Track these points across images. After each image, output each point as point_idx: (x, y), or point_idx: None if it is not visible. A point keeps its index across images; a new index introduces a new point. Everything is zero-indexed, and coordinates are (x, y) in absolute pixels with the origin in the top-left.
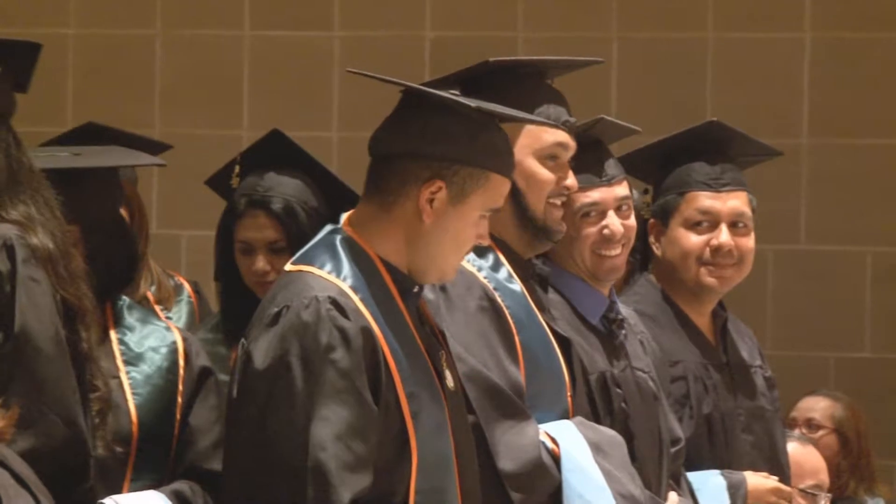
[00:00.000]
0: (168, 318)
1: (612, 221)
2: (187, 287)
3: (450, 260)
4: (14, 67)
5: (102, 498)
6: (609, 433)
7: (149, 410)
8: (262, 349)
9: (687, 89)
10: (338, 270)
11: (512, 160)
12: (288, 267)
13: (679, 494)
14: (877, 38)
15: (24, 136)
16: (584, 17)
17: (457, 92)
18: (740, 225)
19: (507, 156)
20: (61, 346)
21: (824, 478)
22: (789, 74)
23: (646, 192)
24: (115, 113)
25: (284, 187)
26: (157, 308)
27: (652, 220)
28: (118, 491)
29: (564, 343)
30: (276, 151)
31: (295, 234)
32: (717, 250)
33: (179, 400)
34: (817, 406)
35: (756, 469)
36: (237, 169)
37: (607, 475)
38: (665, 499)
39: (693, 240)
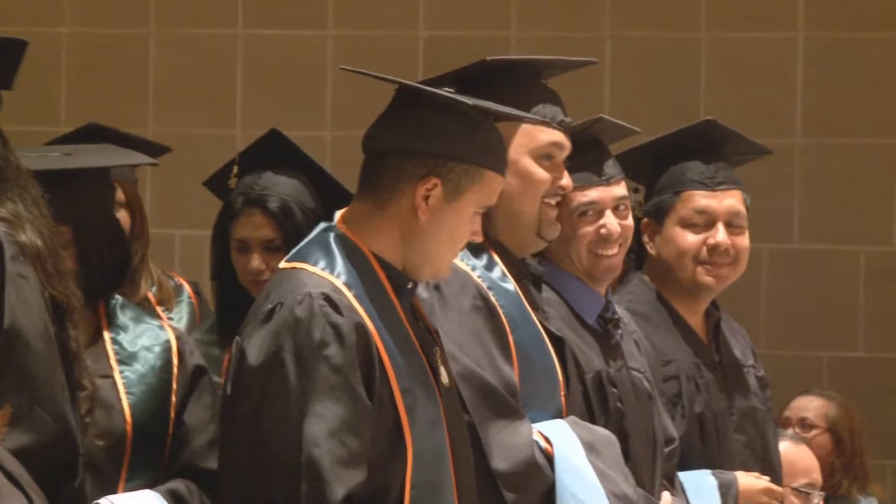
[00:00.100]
0: (169, 318)
1: (610, 221)
2: (187, 287)
3: (445, 256)
4: None
5: (97, 498)
6: (602, 433)
7: (143, 410)
8: (255, 346)
9: (680, 89)
10: (331, 267)
11: (506, 157)
12: (282, 264)
13: (672, 494)
14: (871, 38)
15: (18, 135)
16: (578, 17)
17: (450, 90)
18: (736, 224)
19: (501, 153)
20: (51, 343)
21: (817, 477)
22: (783, 74)
23: (636, 191)
24: (109, 112)
25: (282, 187)
26: (159, 309)
27: (646, 220)
28: (113, 491)
29: (558, 342)
30: (275, 151)
31: (291, 233)
32: (713, 249)
33: (174, 399)
34: (810, 405)
35: (748, 469)
36: (235, 169)
37: (601, 475)
38: (658, 499)
39: (689, 239)
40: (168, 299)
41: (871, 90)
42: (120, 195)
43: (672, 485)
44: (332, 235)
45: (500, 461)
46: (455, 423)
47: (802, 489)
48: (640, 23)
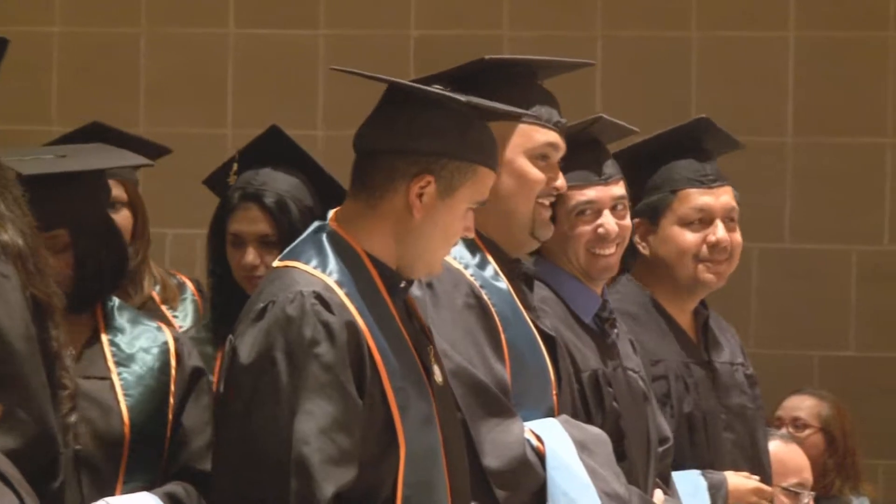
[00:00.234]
0: (174, 317)
1: (608, 220)
2: (190, 286)
3: (438, 253)
4: None
5: (95, 499)
6: (594, 431)
7: (141, 411)
8: (247, 344)
9: (672, 89)
10: (323, 265)
11: (497, 153)
12: (276, 263)
13: (666, 493)
14: (862, 38)
15: (10, 134)
16: (570, 17)
17: (440, 87)
18: (731, 219)
19: (492, 148)
20: (32, 342)
21: (808, 476)
22: (774, 73)
23: None
24: (101, 111)
25: (279, 183)
26: (164, 308)
27: (638, 220)
28: (111, 492)
29: (550, 342)
30: (275, 149)
31: (287, 229)
32: (714, 246)
33: (172, 401)
34: (803, 405)
35: (738, 468)
36: (235, 166)
37: (592, 473)
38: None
39: (689, 237)
40: (172, 298)
41: (863, 89)
42: (122, 195)
43: (666, 484)
44: (324, 234)
45: (492, 459)
46: (449, 422)
47: (792, 489)
48: (631, 22)
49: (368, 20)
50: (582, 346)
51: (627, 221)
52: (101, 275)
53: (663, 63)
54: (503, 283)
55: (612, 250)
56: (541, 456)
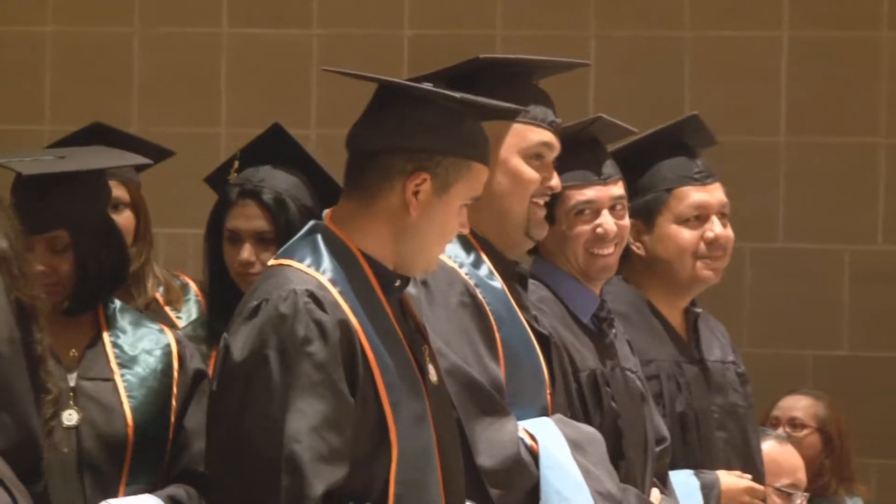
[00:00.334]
0: (178, 318)
1: (606, 220)
2: (193, 286)
3: (435, 250)
4: None
5: (98, 501)
6: (588, 431)
7: (144, 413)
8: (240, 342)
9: (665, 88)
10: (317, 264)
11: (489, 148)
12: (271, 262)
13: (663, 493)
14: (855, 37)
15: (3, 134)
16: (563, 16)
17: (430, 85)
18: (723, 215)
19: (484, 144)
20: (15, 346)
21: (801, 476)
22: (767, 73)
23: None
24: (94, 111)
25: (278, 181)
26: (167, 309)
27: (631, 220)
28: (114, 494)
29: (544, 341)
30: (276, 147)
31: (284, 227)
32: (712, 243)
33: (174, 403)
34: (799, 405)
35: (730, 467)
36: (236, 164)
37: (585, 472)
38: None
39: (687, 235)
40: (176, 299)
41: (856, 89)
42: (125, 196)
43: (664, 484)
44: (319, 233)
45: (486, 458)
46: (443, 421)
47: (785, 489)
48: (624, 22)
49: (362, 20)
50: (580, 346)
51: (626, 221)
52: (102, 275)
53: (657, 63)
54: (498, 283)
55: (610, 250)
56: (534, 455)
